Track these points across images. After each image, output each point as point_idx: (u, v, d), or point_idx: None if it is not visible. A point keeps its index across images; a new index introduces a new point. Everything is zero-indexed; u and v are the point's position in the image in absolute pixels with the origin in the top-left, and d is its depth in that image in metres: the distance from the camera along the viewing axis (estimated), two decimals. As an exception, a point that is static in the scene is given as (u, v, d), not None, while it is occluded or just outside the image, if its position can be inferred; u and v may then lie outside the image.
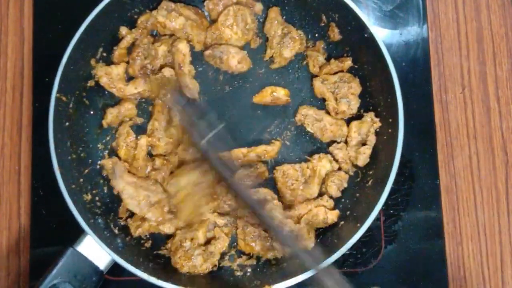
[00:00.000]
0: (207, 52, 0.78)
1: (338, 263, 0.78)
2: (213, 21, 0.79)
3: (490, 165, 0.82)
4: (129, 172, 0.76)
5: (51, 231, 0.78)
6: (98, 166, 0.78)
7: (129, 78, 0.78)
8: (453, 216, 0.81)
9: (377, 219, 0.78)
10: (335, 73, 0.79)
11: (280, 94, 0.78)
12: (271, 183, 0.79)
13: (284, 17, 0.81)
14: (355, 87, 0.78)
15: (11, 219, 0.79)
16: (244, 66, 0.78)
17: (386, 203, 0.79)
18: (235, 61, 0.77)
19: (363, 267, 0.79)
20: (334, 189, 0.77)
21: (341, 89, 0.78)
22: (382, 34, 0.84)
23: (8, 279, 0.78)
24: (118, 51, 0.77)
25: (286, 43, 0.78)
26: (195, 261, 0.73)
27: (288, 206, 0.77)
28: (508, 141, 0.83)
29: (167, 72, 0.77)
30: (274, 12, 0.79)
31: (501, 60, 0.85)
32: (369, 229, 0.77)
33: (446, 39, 0.85)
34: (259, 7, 0.80)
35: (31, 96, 0.81)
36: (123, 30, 0.78)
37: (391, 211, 0.80)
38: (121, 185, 0.74)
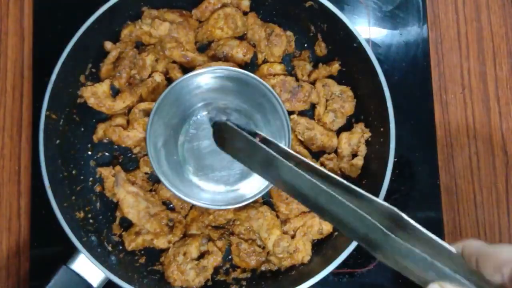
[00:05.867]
0: (210, 54, 0.77)
1: (337, 265, 0.78)
2: (202, 22, 0.79)
3: (490, 165, 0.82)
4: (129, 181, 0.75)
5: (51, 231, 0.77)
6: (90, 183, 0.77)
7: (115, 93, 0.77)
8: (453, 216, 0.81)
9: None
10: (340, 83, 0.79)
11: (276, 69, 0.78)
12: (267, 199, 0.78)
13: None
14: (347, 108, 0.78)
15: (11, 219, 0.79)
16: (248, 55, 0.78)
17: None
18: (241, 54, 0.77)
19: (362, 267, 0.78)
20: None
21: (335, 102, 0.78)
22: (382, 35, 0.84)
23: (8, 280, 0.78)
24: (105, 67, 0.76)
25: (274, 41, 0.78)
26: (187, 276, 0.72)
27: (283, 220, 0.76)
28: (508, 141, 0.83)
29: (158, 77, 0.76)
30: (252, 18, 0.79)
31: (501, 60, 0.85)
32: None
33: (446, 39, 0.85)
34: (246, 3, 0.79)
35: (31, 96, 0.81)
36: (108, 44, 0.76)
37: (391, 211, 0.79)
38: (122, 194, 0.72)
